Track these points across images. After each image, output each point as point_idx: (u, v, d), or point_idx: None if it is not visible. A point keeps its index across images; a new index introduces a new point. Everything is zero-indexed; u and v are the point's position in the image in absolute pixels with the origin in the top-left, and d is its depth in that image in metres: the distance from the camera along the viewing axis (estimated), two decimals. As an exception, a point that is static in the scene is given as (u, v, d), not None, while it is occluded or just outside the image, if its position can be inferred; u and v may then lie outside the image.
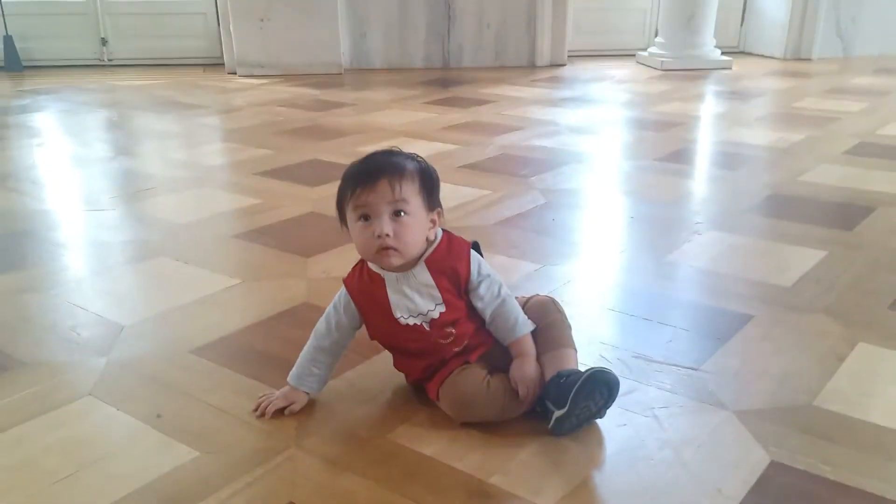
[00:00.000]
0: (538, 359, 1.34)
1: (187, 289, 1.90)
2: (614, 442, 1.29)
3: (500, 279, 1.36)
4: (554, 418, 1.27)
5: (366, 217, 1.25)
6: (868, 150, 3.13)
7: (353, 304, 1.35)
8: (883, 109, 3.96)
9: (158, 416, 1.37)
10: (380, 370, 1.51)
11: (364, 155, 1.32)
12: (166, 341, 1.66)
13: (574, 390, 1.23)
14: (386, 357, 1.54)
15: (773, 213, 2.41)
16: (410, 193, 1.25)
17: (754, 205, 2.50)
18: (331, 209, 2.51)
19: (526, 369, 1.32)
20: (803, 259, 2.02)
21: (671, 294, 1.87)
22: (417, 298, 1.30)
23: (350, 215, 1.28)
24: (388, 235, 1.24)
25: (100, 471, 1.23)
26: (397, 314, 1.31)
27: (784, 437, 1.29)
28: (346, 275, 1.39)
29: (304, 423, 1.35)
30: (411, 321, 1.31)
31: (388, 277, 1.31)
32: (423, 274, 1.30)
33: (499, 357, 1.37)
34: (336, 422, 1.36)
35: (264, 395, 1.40)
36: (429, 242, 1.31)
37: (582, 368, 1.30)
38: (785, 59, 5.71)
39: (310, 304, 1.81)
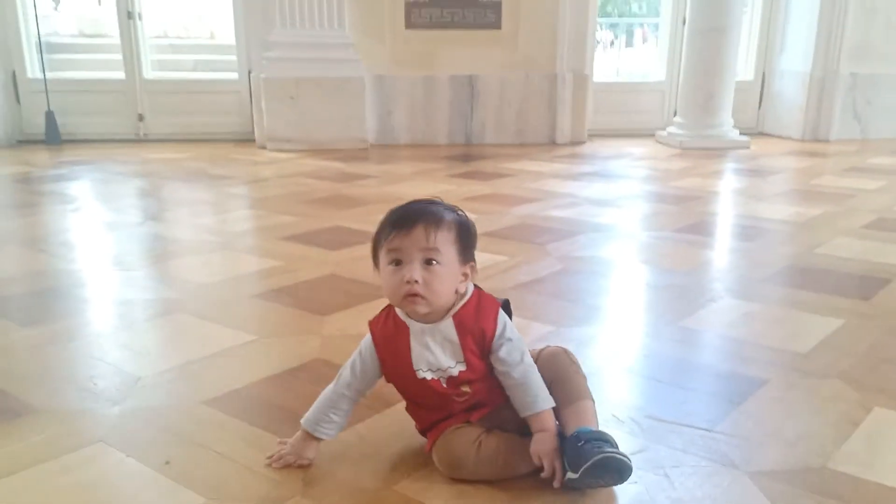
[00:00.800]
0: (556, 414, 1.34)
1: (204, 343, 1.93)
2: (625, 498, 1.27)
3: (524, 347, 1.33)
4: (566, 478, 1.26)
5: (397, 262, 1.26)
6: (886, 226, 3.13)
7: (375, 354, 1.35)
8: (902, 187, 3.98)
9: (167, 462, 1.38)
10: (390, 423, 1.51)
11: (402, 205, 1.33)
12: (180, 393, 1.67)
13: (585, 467, 1.21)
14: (396, 411, 1.55)
15: (790, 283, 2.41)
16: (444, 243, 1.26)
17: (771, 274, 2.50)
18: (350, 272, 2.60)
19: (548, 444, 1.29)
20: (820, 327, 2.00)
21: (686, 357, 1.86)
22: (440, 353, 1.30)
23: (383, 258, 1.29)
24: (416, 282, 1.24)
25: (106, 514, 1.24)
26: (416, 366, 1.31)
27: (797, 498, 1.26)
28: (371, 320, 1.39)
29: (310, 473, 1.35)
30: (429, 376, 1.31)
31: (414, 327, 1.31)
32: (448, 329, 1.30)
33: (503, 417, 1.36)
34: (343, 472, 1.36)
35: (283, 442, 1.39)
36: (458, 295, 1.31)
37: (602, 426, 1.30)
38: (803, 141, 5.77)
39: (323, 360, 1.82)
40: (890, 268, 2.52)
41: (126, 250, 2.91)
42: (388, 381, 1.38)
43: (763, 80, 6.18)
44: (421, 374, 1.32)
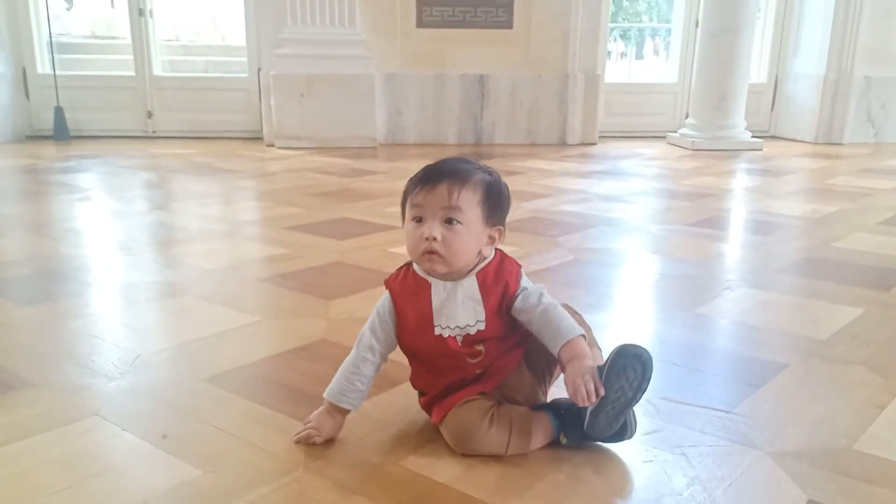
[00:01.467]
0: (563, 367, 1.28)
1: (207, 324, 1.88)
2: (640, 477, 1.22)
3: (543, 290, 1.28)
4: (588, 413, 1.21)
5: (419, 218, 1.23)
6: (905, 222, 3.08)
7: (393, 308, 1.30)
8: (919, 187, 3.91)
9: (164, 436, 1.33)
10: (395, 401, 1.46)
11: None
12: (179, 369, 1.63)
13: (605, 370, 1.18)
14: (401, 391, 1.50)
15: (807, 274, 2.35)
16: (468, 203, 1.22)
17: (787, 266, 2.44)
18: (356, 260, 2.56)
19: (582, 368, 1.20)
20: (839, 315, 1.95)
21: (702, 343, 1.81)
22: (461, 311, 1.26)
23: (407, 213, 1.26)
24: (435, 239, 1.21)
25: (97, 485, 1.19)
26: (437, 321, 1.26)
27: (821, 478, 1.20)
28: (387, 279, 1.34)
29: (314, 448, 1.30)
30: (447, 333, 1.26)
31: (436, 284, 1.27)
32: (471, 287, 1.26)
33: (514, 385, 1.31)
34: (347, 448, 1.30)
35: (309, 422, 1.34)
36: (481, 258, 1.27)
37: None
38: (816, 144, 5.71)
39: (328, 341, 1.78)
40: (910, 261, 2.47)
41: (131, 237, 2.87)
42: (401, 342, 1.32)
43: (776, 82, 6.13)
44: (438, 331, 1.26)
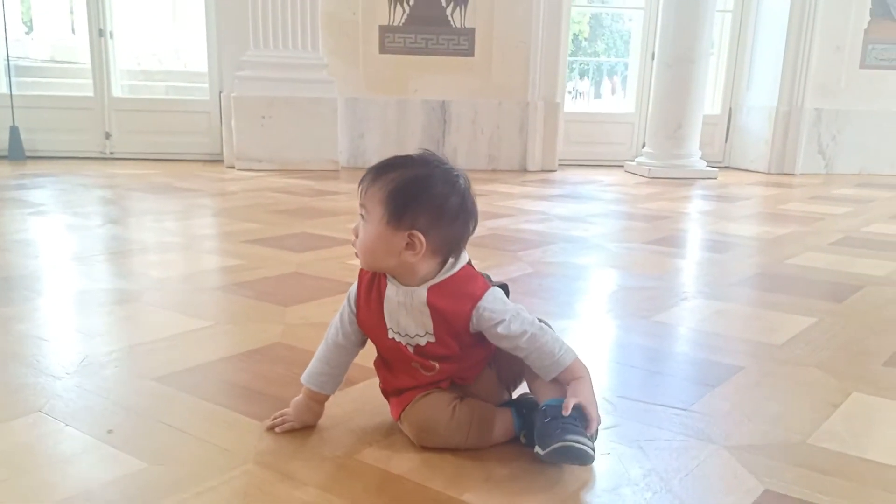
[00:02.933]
0: (530, 383, 1.27)
1: (158, 328, 1.84)
2: (598, 468, 1.20)
3: (525, 316, 1.22)
4: (536, 452, 1.17)
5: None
6: (853, 243, 3.14)
7: (357, 295, 1.27)
8: (866, 213, 4.01)
9: (109, 431, 1.29)
10: (352, 400, 1.43)
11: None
12: (128, 370, 1.58)
13: (548, 451, 1.14)
14: (358, 389, 1.47)
15: (762, 287, 2.38)
16: (372, 201, 1.17)
17: (743, 280, 2.48)
18: (315, 271, 2.53)
19: (584, 392, 1.19)
20: (793, 324, 1.97)
21: (659, 347, 1.81)
22: (408, 319, 1.22)
23: None
24: (354, 237, 1.21)
25: (38, 477, 1.14)
26: (389, 324, 1.24)
27: (777, 470, 1.20)
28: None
29: (266, 443, 1.26)
30: (397, 338, 1.24)
31: (392, 286, 1.23)
32: (420, 298, 1.20)
33: (474, 391, 1.29)
34: (300, 441, 1.27)
35: (282, 413, 1.32)
36: (407, 265, 1.18)
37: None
38: (769, 174, 5.84)
39: (284, 345, 1.74)
40: (861, 277, 2.51)
41: (84, 248, 2.81)
42: (363, 332, 1.29)
43: (730, 114, 6.28)
44: (391, 335, 1.24)
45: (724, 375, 1.60)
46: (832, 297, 2.25)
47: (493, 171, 5.58)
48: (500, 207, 3.84)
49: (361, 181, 1.20)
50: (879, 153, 5.92)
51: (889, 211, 4.13)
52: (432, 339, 1.22)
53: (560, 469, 1.19)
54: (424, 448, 1.23)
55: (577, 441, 1.13)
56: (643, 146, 5.86)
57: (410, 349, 1.24)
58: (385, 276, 1.23)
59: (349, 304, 1.28)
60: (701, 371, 1.65)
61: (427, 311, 1.21)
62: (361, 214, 1.20)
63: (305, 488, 1.12)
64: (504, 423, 1.26)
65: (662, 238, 3.19)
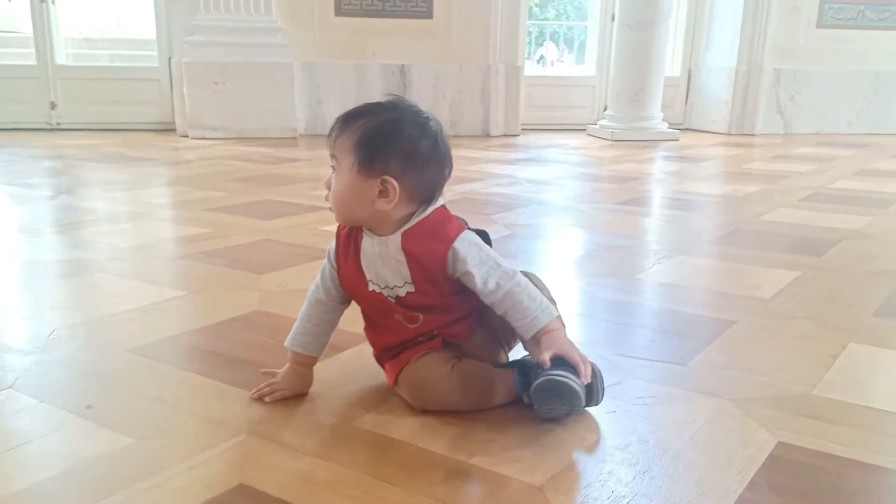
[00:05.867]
0: (524, 344, 1.22)
1: (127, 298, 1.74)
2: (605, 426, 1.16)
3: (504, 269, 1.16)
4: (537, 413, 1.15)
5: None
6: (823, 198, 3.16)
7: (335, 253, 1.21)
8: (831, 170, 4.05)
9: (88, 406, 1.21)
10: (341, 366, 1.37)
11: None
12: (101, 342, 1.49)
13: (536, 404, 1.12)
14: (347, 356, 1.41)
15: (739, 244, 2.37)
16: (343, 150, 1.11)
17: (720, 237, 2.46)
18: (287, 237, 2.44)
19: (558, 342, 1.14)
20: (777, 278, 1.96)
21: (645, 304, 1.79)
22: (385, 269, 1.17)
23: None
24: (327, 189, 1.16)
25: (15, 458, 1.06)
26: (368, 276, 1.18)
27: (786, 421, 1.18)
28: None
29: (257, 412, 1.20)
30: (377, 290, 1.19)
31: (367, 236, 1.18)
32: (395, 244, 1.15)
33: (469, 350, 1.23)
34: (295, 410, 1.21)
35: (268, 373, 1.26)
36: (381, 215, 1.13)
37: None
38: (729, 135, 5.87)
39: (263, 312, 1.67)
40: (836, 231, 2.52)
41: (35, 219, 2.67)
42: (344, 289, 1.23)
43: (689, 76, 6.29)
44: (371, 287, 1.18)
45: (716, 330, 1.58)
46: (811, 251, 2.25)
47: (456, 136, 5.50)
48: (468, 172, 3.77)
49: (330, 131, 1.14)
50: (837, 113, 5.99)
51: (852, 168, 4.17)
52: (412, 289, 1.17)
53: (567, 428, 1.15)
54: (424, 412, 1.18)
55: (560, 375, 1.10)
56: (605, 109, 5.84)
57: (392, 300, 1.18)
58: (361, 229, 1.18)
59: (330, 261, 1.23)
60: (693, 326, 1.62)
61: (403, 258, 1.15)
62: (332, 166, 1.14)
63: (304, 457, 1.06)
64: (505, 383, 1.21)
65: (633, 199, 3.17)
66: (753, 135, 5.84)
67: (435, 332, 1.21)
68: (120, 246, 2.25)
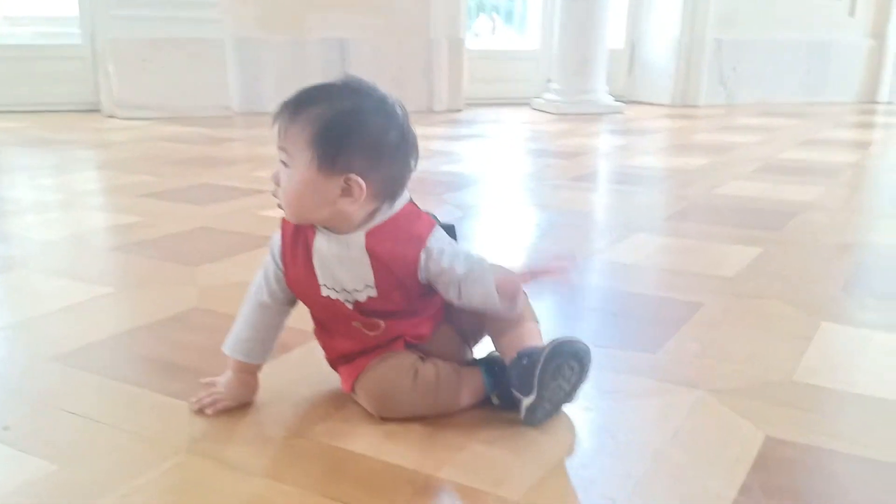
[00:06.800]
0: (496, 341, 1.12)
1: (51, 298, 1.59)
2: (582, 427, 1.08)
3: (464, 257, 1.05)
4: (524, 408, 1.04)
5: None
6: (773, 170, 3.14)
7: (280, 255, 1.08)
8: (777, 141, 4.05)
9: (5, 428, 1.07)
10: (289, 370, 1.26)
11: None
12: (21, 350, 1.35)
13: (539, 370, 1.00)
14: (294, 357, 1.30)
15: (697, 219, 2.32)
16: (296, 143, 0.98)
17: (677, 212, 2.40)
18: (224, 225, 2.29)
19: (511, 280, 1.02)
20: (739, 255, 1.90)
21: (609, 286, 1.71)
22: (343, 271, 1.05)
23: None
24: (276, 185, 1.02)
25: (-83, 493, 0.92)
26: (321, 279, 1.06)
27: (770, 413, 1.11)
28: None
29: (198, 426, 1.07)
30: (333, 295, 1.07)
31: (321, 234, 1.05)
32: (357, 245, 1.03)
33: (440, 347, 1.13)
34: (239, 423, 1.09)
35: (209, 383, 1.14)
36: (342, 214, 1.01)
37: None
38: (673, 106, 5.85)
39: (203, 310, 1.54)
40: (791, 204, 2.49)
41: (-51, 212, 2.47)
42: (292, 291, 1.11)
43: (632, 47, 6.24)
44: (325, 292, 1.06)
45: (684, 314, 1.51)
46: (769, 225, 2.20)
47: (398, 112, 5.35)
48: (412, 149, 3.65)
49: (276, 118, 1.00)
50: (778, 82, 6.02)
51: (797, 137, 4.18)
52: (373, 293, 1.05)
53: (542, 432, 1.05)
54: (384, 419, 1.08)
55: (570, 338, 1.02)
56: (549, 82, 5.76)
57: (349, 306, 1.07)
58: (312, 226, 1.05)
59: (274, 260, 1.09)
60: (660, 310, 1.55)
61: (367, 260, 1.03)
62: (283, 161, 1.00)
63: (252, 479, 0.95)
64: (473, 383, 1.11)
65: (585, 174, 3.10)
66: (697, 106, 5.84)
67: (397, 336, 1.10)
68: (44, 238, 2.07)
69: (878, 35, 6.14)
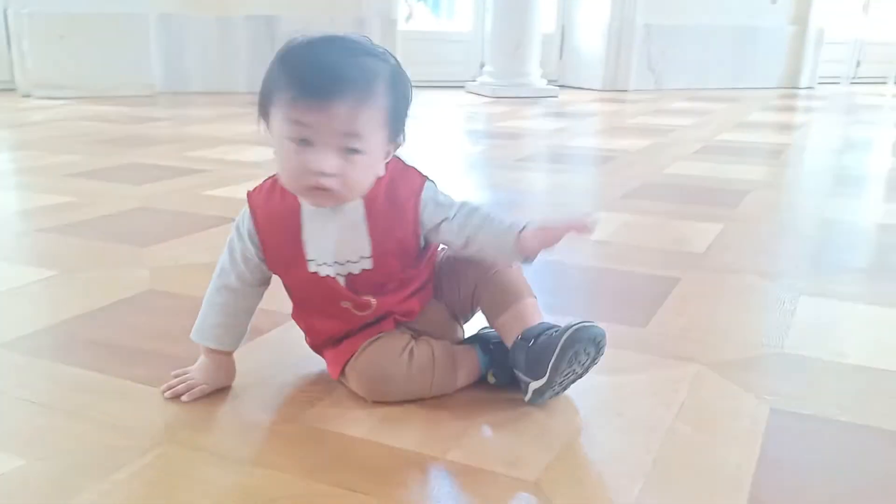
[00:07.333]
0: (492, 322, 1.06)
1: (-14, 282, 1.46)
2: (585, 404, 1.03)
3: (461, 210, 0.99)
4: (532, 390, 0.98)
5: (305, 140, 0.88)
6: (715, 150, 3.18)
7: (256, 233, 0.99)
8: (712, 123, 4.11)
9: (-47, 421, 0.96)
10: (268, 354, 1.17)
11: (307, 38, 0.91)
12: (-41, 337, 1.22)
13: (554, 357, 0.94)
14: (271, 339, 1.21)
15: (654, 198, 2.30)
16: (372, 126, 0.89)
17: (631, 191, 2.39)
18: (164, 204, 2.16)
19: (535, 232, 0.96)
20: (703, 232, 1.90)
21: (584, 263, 1.67)
22: (339, 242, 0.97)
23: (280, 124, 0.89)
24: (331, 175, 0.89)
25: None
26: (309, 256, 0.98)
27: (770, 385, 1.10)
28: (250, 190, 1.02)
29: (174, 414, 0.98)
30: (324, 271, 0.99)
31: (307, 206, 0.97)
32: (356, 214, 0.96)
33: (430, 325, 1.07)
34: (220, 409, 1.01)
35: (182, 372, 1.05)
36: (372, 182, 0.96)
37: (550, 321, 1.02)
38: (604, 91, 5.90)
39: (158, 291, 1.43)
40: (741, 182, 2.51)
41: None
42: (273, 271, 1.03)
43: (563, 32, 6.27)
44: (313, 268, 0.98)
45: (663, 288, 1.49)
46: (724, 203, 2.21)
47: (331, 93, 5.21)
48: (352, 129, 3.55)
49: (319, 100, 0.86)
50: (704, 68, 6.13)
51: (730, 120, 4.26)
52: (368, 266, 0.99)
53: (546, 412, 1.01)
54: (377, 403, 1.01)
55: (587, 323, 0.96)
56: (482, 66, 5.72)
57: (341, 281, 0.99)
58: (295, 197, 0.97)
59: (247, 240, 1.00)
60: (638, 285, 1.53)
61: (365, 226, 0.97)
62: (353, 147, 0.89)
63: (245, 468, 0.87)
64: (468, 362, 1.05)
65: (531, 155, 3.08)
66: (627, 91, 5.90)
67: (386, 313, 1.03)
68: (-34, 220, 1.91)
69: (800, 21, 6.33)
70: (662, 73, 6.05)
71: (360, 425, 0.96)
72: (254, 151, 2.87)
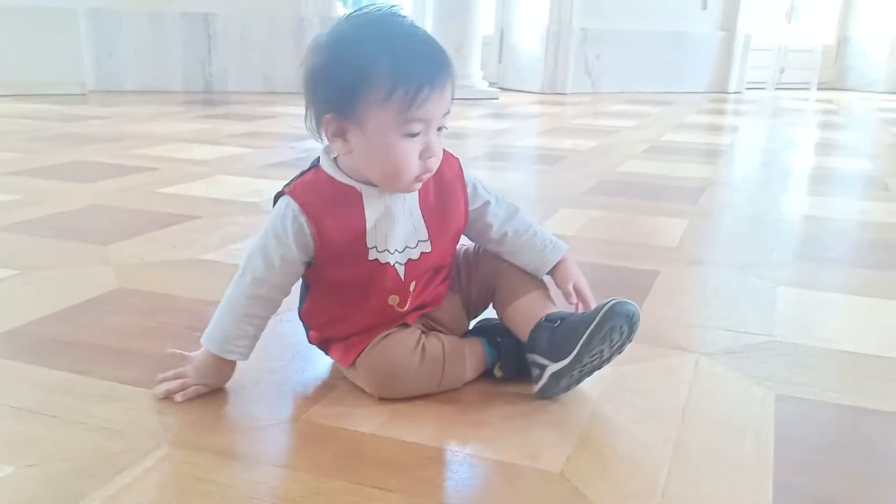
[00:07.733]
0: (504, 309, 1.04)
1: (-62, 282, 1.36)
2: (594, 395, 1.02)
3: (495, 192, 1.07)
4: (548, 374, 0.96)
5: (415, 133, 0.88)
6: (661, 150, 3.24)
7: (309, 226, 0.92)
8: (653, 125, 4.19)
9: (-71, 429, 0.88)
10: (265, 346, 1.11)
11: (365, 15, 0.91)
12: (-81, 340, 1.13)
13: (589, 330, 0.92)
14: (268, 330, 1.16)
15: (614, 193, 2.33)
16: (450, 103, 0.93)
17: (590, 188, 2.41)
18: (119, 202, 2.07)
19: (574, 274, 1.07)
20: (670, 226, 1.92)
21: (561, 259, 1.67)
22: (400, 228, 0.95)
23: (389, 122, 0.87)
24: (439, 156, 0.93)
25: None
26: (371, 242, 0.94)
27: (770, 372, 1.11)
28: (287, 189, 0.95)
29: (171, 414, 0.93)
30: (385, 258, 0.94)
31: (368, 192, 0.93)
32: (411, 195, 0.96)
33: (446, 318, 1.05)
34: (217, 409, 0.96)
35: (177, 354, 1.00)
36: None
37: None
38: (543, 93, 5.96)
39: (128, 290, 1.36)
40: (693, 180, 2.57)
41: None
42: (316, 272, 0.97)
43: (502, 34, 6.31)
44: (373, 255, 0.94)
45: (644, 281, 1.49)
46: (684, 199, 2.25)
47: (271, 93, 5.11)
48: (300, 129, 3.48)
49: (439, 86, 0.89)
50: (638, 72, 6.25)
51: (670, 122, 4.35)
52: (427, 249, 0.98)
53: (559, 404, 0.99)
54: (383, 399, 0.98)
55: (623, 300, 0.95)
56: (422, 66, 5.70)
57: (400, 270, 0.96)
58: (351, 190, 0.93)
59: (291, 241, 0.92)
60: (619, 278, 1.53)
61: (417, 208, 0.97)
62: (444, 126, 0.92)
63: (258, 467, 0.83)
64: (475, 356, 1.03)
65: (483, 154, 3.07)
66: (565, 93, 5.97)
67: (418, 306, 1.01)
68: None
69: (728, 27, 6.53)
70: (598, 77, 6.15)
71: (369, 421, 0.93)
72: (200, 150, 2.79)
